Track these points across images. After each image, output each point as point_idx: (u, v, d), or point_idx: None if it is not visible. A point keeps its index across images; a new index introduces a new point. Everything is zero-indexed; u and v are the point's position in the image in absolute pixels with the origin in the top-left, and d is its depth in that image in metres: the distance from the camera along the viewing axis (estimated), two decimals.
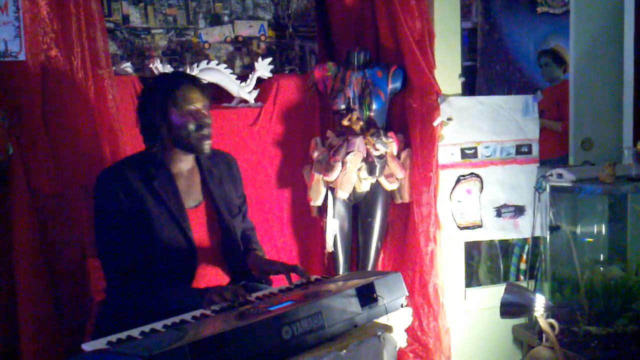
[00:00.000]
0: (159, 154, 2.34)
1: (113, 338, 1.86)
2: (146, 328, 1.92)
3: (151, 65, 3.21)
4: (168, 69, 3.21)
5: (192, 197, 2.40)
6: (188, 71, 3.26)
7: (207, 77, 3.30)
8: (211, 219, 2.42)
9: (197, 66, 3.30)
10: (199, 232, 2.37)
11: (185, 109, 2.30)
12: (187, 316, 2.01)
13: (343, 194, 3.25)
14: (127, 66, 3.25)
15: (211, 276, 2.39)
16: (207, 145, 2.34)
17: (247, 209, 2.64)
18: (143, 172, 2.30)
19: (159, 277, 2.26)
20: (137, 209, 2.26)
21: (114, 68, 3.09)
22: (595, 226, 3.12)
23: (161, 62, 3.25)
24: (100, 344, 1.83)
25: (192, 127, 2.30)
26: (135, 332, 1.89)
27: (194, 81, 2.37)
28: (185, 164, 2.41)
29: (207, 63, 3.34)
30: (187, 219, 2.33)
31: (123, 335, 1.87)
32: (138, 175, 2.29)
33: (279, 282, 2.43)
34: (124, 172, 2.30)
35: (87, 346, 1.83)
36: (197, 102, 2.32)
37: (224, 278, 2.43)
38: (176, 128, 2.30)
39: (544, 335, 2.85)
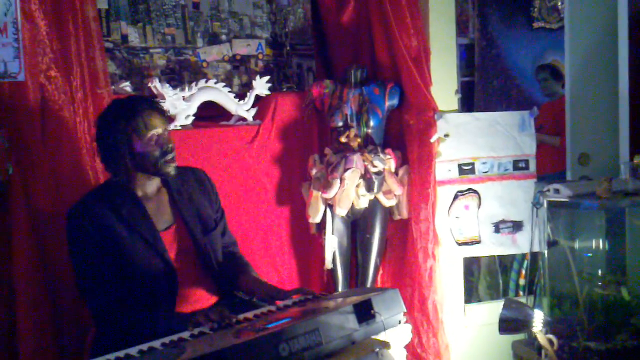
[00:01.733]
0: (124, 181, 2.35)
1: (111, 357, 1.86)
2: (144, 346, 1.93)
3: (150, 85, 3.23)
4: (167, 87, 3.23)
5: (163, 219, 2.39)
6: (187, 90, 3.28)
7: (206, 96, 3.33)
8: (184, 240, 2.41)
9: (196, 85, 3.32)
10: (175, 253, 2.36)
11: (148, 135, 2.29)
12: (185, 334, 2.02)
13: (341, 210, 3.26)
14: (126, 85, 3.27)
15: (197, 297, 2.38)
16: (172, 169, 2.35)
17: (226, 223, 2.63)
18: (110, 202, 2.30)
19: (141, 302, 2.26)
20: (110, 240, 2.26)
21: (113, 87, 3.11)
22: (593, 241, 3.12)
23: (160, 81, 3.27)
24: None
25: (157, 153, 2.30)
26: (133, 351, 1.90)
27: (152, 105, 2.37)
28: (151, 187, 2.40)
29: (206, 82, 3.36)
30: (161, 240, 2.32)
31: (121, 354, 1.88)
32: (105, 206, 2.29)
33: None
34: (92, 207, 2.30)
35: None
36: (159, 127, 2.32)
37: (211, 297, 2.43)
38: (140, 156, 2.30)
39: (543, 351, 2.84)
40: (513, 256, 3.95)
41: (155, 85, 3.21)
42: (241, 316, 2.18)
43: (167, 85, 3.27)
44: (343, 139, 3.31)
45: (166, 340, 1.97)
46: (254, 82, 3.46)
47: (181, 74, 3.49)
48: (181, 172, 2.46)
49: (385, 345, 2.11)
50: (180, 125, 3.28)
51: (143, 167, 2.33)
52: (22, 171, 2.69)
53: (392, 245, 3.54)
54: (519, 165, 3.54)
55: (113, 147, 2.31)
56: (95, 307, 2.29)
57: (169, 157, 2.33)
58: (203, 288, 2.41)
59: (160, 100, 3.20)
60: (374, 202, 3.35)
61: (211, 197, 2.56)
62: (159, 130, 2.32)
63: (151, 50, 3.44)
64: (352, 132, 3.31)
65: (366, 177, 3.26)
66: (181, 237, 2.41)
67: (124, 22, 3.37)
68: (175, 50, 3.49)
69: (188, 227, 2.41)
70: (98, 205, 2.29)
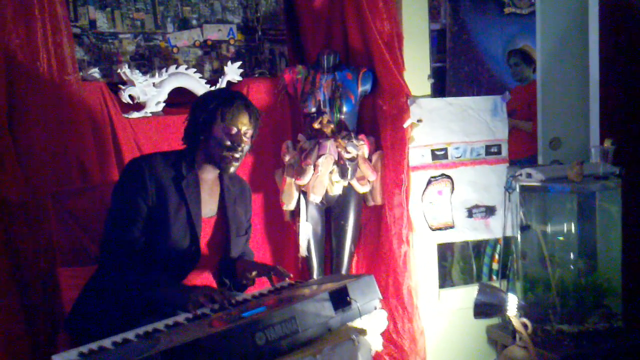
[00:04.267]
0: (191, 157, 2.41)
1: (84, 349, 1.83)
2: (118, 338, 1.90)
3: (119, 71, 3.18)
4: (136, 73, 3.18)
5: (209, 207, 2.46)
6: (157, 76, 3.25)
7: (176, 82, 3.29)
8: (218, 234, 2.48)
9: (166, 71, 3.28)
10: (205, 242, 2.43)
11: (229, 127, 2.35)
12: (160, 325, 1.99)
13: (315, 197, 3.25)
14: (95, 72, 3.22)
15: (201, 282, 2.42)
16: (232, 168, 2.40)
17: (250, 236, 2.68)
18: (175, 169, 2.37)
19: (155, 265, 2.30)
20: (159, 203, 2.30)
21: (81, 74, 3.06)
22: (565, 224, 3.15)
23: (129, 67, 3.22)
24: (71, 355, 1.81)
25: (226, 144, 2.35)
26: (107, 342, 1.87)
27: (248, 106, 2.42)
28: (210, 174, 2.46)
29: (176, 67, 3.32)
30: (201, 226, 2.39)
31: (94, 345, 1.85)
32: (169, 171, 2.35)
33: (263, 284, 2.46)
34: (157, 163, 2.35)
35: (58, 357, 1.80)
36: (242, 125, 2.38)
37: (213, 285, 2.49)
38: (212, 140, 2.36)
39: (517, 335, 2.87)
40: (486, 241, 3.97)
41: (125, 71, 3.17)
42: (240, 298, 2.21)
43: (137, 71, 3.23)
44: (316, 125, 3.29)
45: (140, 331, 1.94)
46: (225, 67, 3.43)
47: (151, 60, 3.44)
48: (233, 176, 2.54)
49: (361, 332, 2.11)
50: (151, 112, 3.23)
51: (209, 152, 2.38)
52: None
53: (366, 232, 3.54)
54: (491, 150, 3.55)
55: (197, 121, 2.38)
56: (112, 247, 2.29)
57: (236, 155, 2.37)
58: (208, 280, 2.48)
59: (130, 87, 3.16)
60: (348, 189, 3.33)
61: (247, 208, 2.63)
62: (241, 128, 2.37)
63: (120, 36, 3.38)
64: (325, 118, 3.29)
65: (340, 163, 3.24)
66: (217, 230, 2.48)
67: (91, 7, 3.31)
68: (145, 36, 3.43)
69: (227, 224, 2.49)
70: (163, 164, 2.36)
